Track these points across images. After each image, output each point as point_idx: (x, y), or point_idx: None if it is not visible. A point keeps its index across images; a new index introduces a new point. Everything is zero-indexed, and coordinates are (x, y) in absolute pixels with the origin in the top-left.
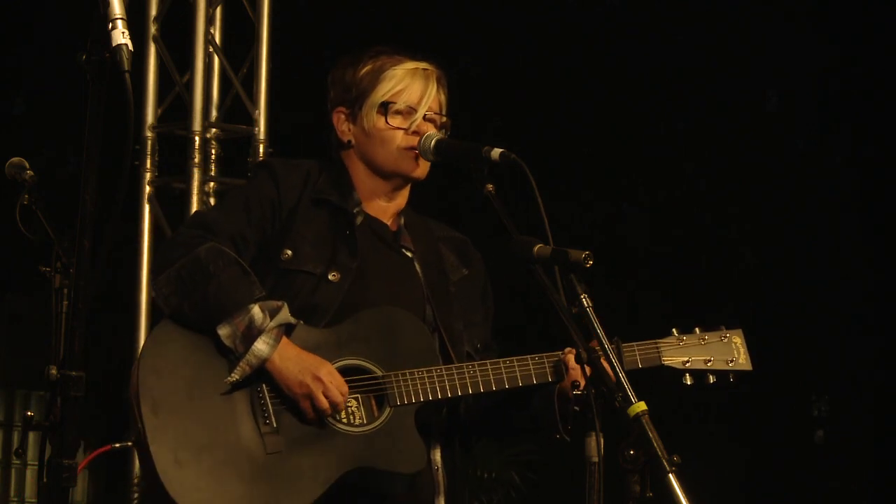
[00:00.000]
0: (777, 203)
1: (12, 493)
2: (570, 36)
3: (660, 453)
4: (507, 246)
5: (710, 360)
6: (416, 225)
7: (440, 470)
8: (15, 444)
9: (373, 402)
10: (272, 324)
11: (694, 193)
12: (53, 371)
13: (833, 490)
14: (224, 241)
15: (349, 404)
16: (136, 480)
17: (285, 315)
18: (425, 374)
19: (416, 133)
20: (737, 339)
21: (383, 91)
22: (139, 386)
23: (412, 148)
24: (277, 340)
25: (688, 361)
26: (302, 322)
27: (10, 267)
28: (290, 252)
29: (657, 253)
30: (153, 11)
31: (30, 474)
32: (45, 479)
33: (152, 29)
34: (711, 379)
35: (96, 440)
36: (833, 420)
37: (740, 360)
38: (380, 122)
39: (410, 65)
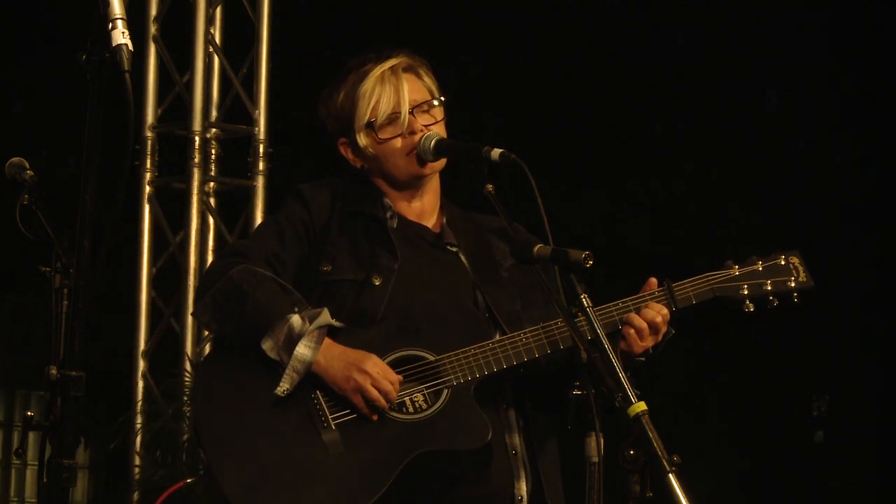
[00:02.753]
0: (777, 203)
1: (12, 493)
2: (570, 36)
3: (660, 453)
4: (508, 246)
5: (767, 284)
6: (460, 221)
7: (519, 454)
8: (15, 444)
9: (436, 391)
10: (311, 327)
11: (694, 193)
12: (53, 371)
13: (833, 490)
14: (258, 262)
15: (415, 399)
16: (136, 481)
17: (325, 318)
18: (477, 351)
19: (412, 133)
20: (794, 260)
21: (362, 112)
22: (197, 419)
23: (414, 148)
24: (319, 342)
25: (744, 288)
26: (350, 327)
27: (10, 267)
28: (329, 265)
29: (657, 253)
30: (153, 11)
31: (30, 474)
32: (45, 479)
33: (152, 29)
34: (774, 302)
35: (96, 440)
36: (833, 420)
37: (801, 279)
38: (372, 141)
39: (376, 71)
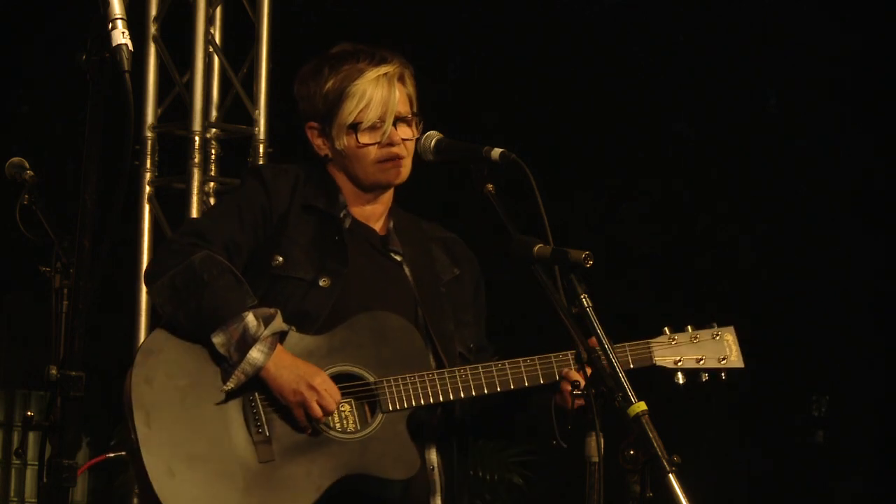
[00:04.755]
0: (777, 203)
1: (12, 493)
2: (570, 36)
3: (660, 453)
4: (508, 246)
5: (701, 359)
6: (406, 227)
7: (436, 469)
8: (15, 444)
9: (366, 408)
10: (267, 332)
11: (693, 193)
12: (53, 371)
13: (833, 490)
14: (217, 248)
15: (342, 409)
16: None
17: (279, 323)
18: (417, 380)
19: (389, 144)
20: (728, 337)
21: (348, 111)
22: (131, 396)
23: (388, 159)
24: (272, 348)
25: (679, 360)
26: (294, 328)
27: (10, 267)
28: (280, 258)
29: (656, 253)
30: (153, 11)
31: (30, 474)
32: (45, 479)
33: (152, 29)
34: (704, 377)
35: (96, 439)
36: (833, 420)
37: (732, 358)
38: (351, 142)
39: (371, 73)
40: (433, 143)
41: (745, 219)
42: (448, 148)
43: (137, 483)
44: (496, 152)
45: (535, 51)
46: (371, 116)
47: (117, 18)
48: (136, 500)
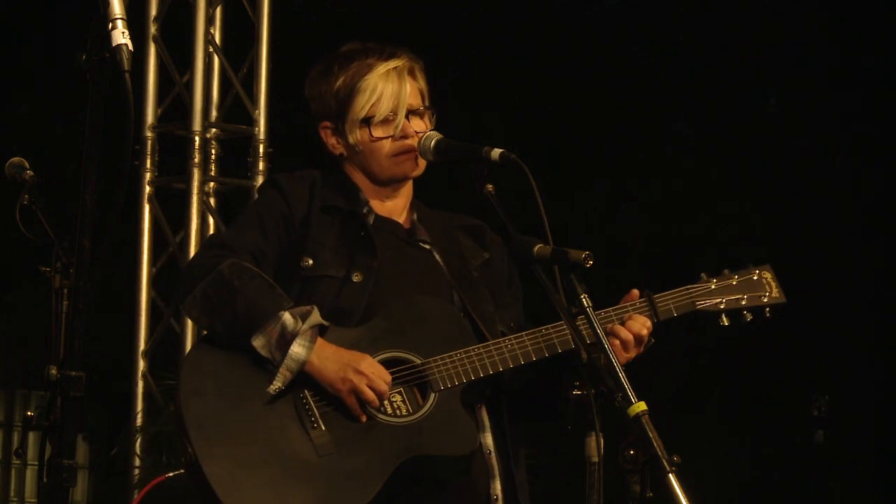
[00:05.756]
0: (776, 204)
1: (12, 493)
2: (570, 36)
3: (660, 453)
4: (508, 246)
5: (743, 298)
6: (429, 218)
7: (493, 454)
8: (15, 444)
9: (416, 393)
10: (305, 326)
11: (693, 193)
12: (53, 371)
13: (833, 490)
14: (244, 256)
15: (394, 399)
16: (135, 481)
17: (317, 317)
18: (464, 356)
19: (403, 137)
20: (767, 275)
21: (360, 106)
22: (183, 411)
23: (403, 152)
24: (313, 341)
25: (722, 303)
26: (332, 325)
27: (10, 267)
28: (310, 260)
29: (656, 253)
30: (153, 11)
31: (30, 474)
32: (45, 479)
33: (152, 29)
34: (748, 317)
35: (96, 440)
36: (833, 420)
37: (773, 294)
38: (364, 136)
39: (381, 68)
40: (433, 143)
41: (745, 219)
42: (448, 148)
43: (200, 495)
44: (496, 152)
45: (535, 51)
46: (383, 110)
47: (117, 18)
48: (136, 500)
